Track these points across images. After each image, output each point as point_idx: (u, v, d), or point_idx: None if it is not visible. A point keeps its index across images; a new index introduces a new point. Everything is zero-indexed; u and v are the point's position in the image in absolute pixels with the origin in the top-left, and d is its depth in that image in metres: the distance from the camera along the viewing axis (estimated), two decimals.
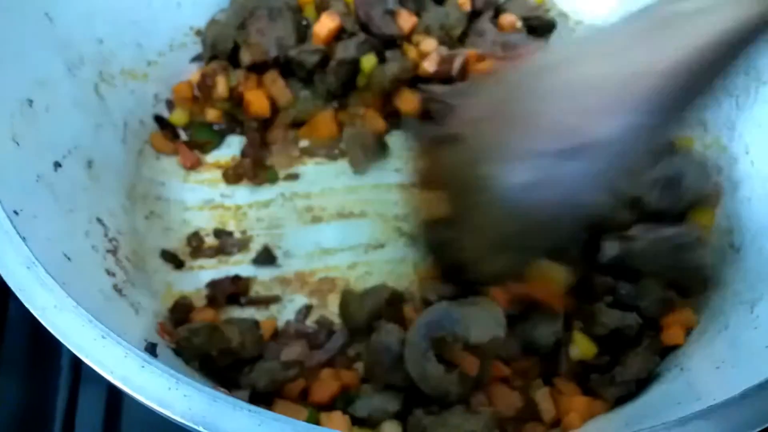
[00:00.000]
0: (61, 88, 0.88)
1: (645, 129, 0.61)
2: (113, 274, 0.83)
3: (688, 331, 0.89)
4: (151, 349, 0.64)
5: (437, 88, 1.03)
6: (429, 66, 1.03)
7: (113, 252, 0.88)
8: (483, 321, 0.79)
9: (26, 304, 0.54)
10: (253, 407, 0.49)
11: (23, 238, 0.58)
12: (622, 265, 0.89)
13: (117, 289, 0.81)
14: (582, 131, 0.61)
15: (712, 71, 0.59)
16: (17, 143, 0.73)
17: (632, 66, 0.59)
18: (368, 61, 1.02)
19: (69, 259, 0.70)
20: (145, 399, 0.51)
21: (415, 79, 1.05)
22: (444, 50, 1.05)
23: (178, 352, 0.81)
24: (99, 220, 0.89)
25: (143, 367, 0.52)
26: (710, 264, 0.89)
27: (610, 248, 0.89)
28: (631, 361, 0.83)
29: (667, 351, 0.87)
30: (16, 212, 0.62)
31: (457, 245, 0.81)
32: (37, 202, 0.72)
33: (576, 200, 0.69)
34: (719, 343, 0.82)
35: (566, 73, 0.65)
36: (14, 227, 0.58)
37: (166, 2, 1.09)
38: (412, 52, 1.04)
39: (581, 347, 0.86)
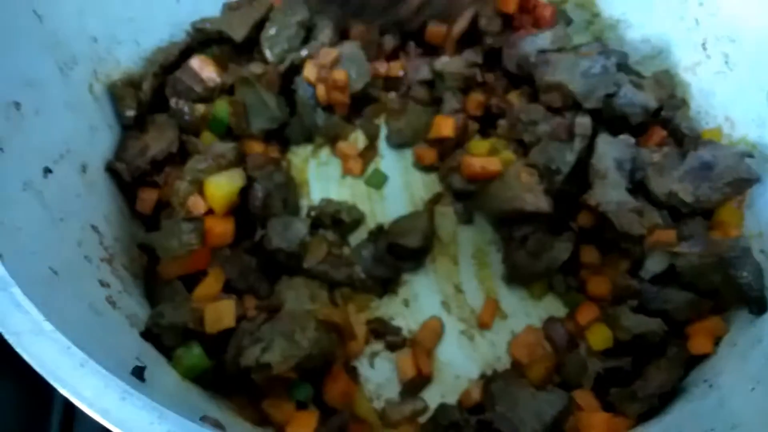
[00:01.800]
0: (52, 90, 0.83)
1: None
2: (107, 285, 0.79)
3: (717, 340, 0.83)
4: (138, 374, 0.60)
5: None
6: None
7: (109, 261, 0.84)
8: None
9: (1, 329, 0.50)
10: None
11: (0, 256, 0.53)
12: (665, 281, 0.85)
13: (111, 302, 0.77)
14: None
15: None
16: (1, 149, 0.69)
17: None
18: None
19: (56, 273, 0.66)
20: None
21: None
22: None
23: (160, 343, 0.78)
24: (93, 228, 0.84)
25: (124, 399, 0.47)
26: (761, 284, 0.82)
27: (654, 263, 0.84)
28: (653, 373, 0.79)
29: (693, 363, 0.82)
30: None
31: None
32: (21, 212, 0.68)
33: None
34: (753, 358, 0.76)
35: None
36: None
37: None
38: None
39: (597, 337, 0.84)
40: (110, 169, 0.93)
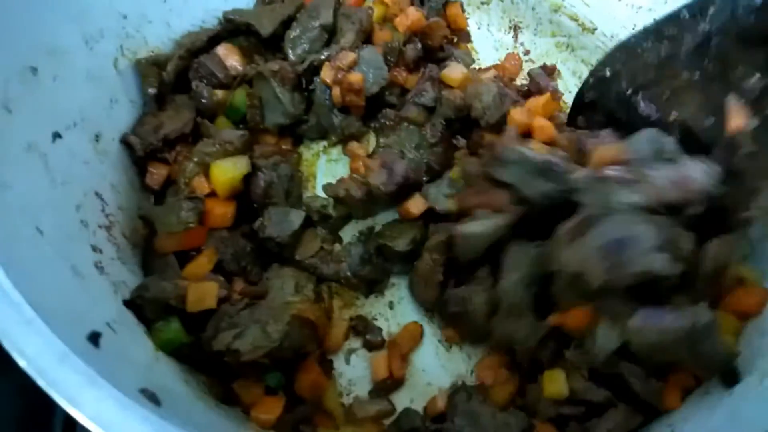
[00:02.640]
0: (74, 60, 0.87)
1: None
2: (99, 251, 0.83)
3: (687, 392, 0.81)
4: (93, 339, 0.61)
5: None
6: None
7: (108, 228, 0.88)
8: None
9: None
10: None
11: None
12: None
13: (98, 267, 0.80)
14: None
15: None
16: (9, 110, 0.73)
17: None
18: None
19: (41, 232, 0.69)
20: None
21: None
22: None
23: (141, 313, 0.81)
24: (98, 194, 0.88)
25: (62, 361, 0.50)
26: (736, 351, 0.77)
27: (606, 340, 0.75)
28: (611, 415, 0.77)
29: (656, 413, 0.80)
30: None
31: None
32: (19, 171, 0.71)
33: None
34: (720, 411, 0.74)
35: None
36: None
37: None
38: None
39: (551, 386, 0.81)
40: (124, 142, 0.97)
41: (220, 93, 1.04)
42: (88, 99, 0.90)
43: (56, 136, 0.81)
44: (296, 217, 0.95)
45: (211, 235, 0.93)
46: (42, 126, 0.79)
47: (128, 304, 0.81)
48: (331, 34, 1.08)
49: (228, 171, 0.94)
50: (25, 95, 0.76)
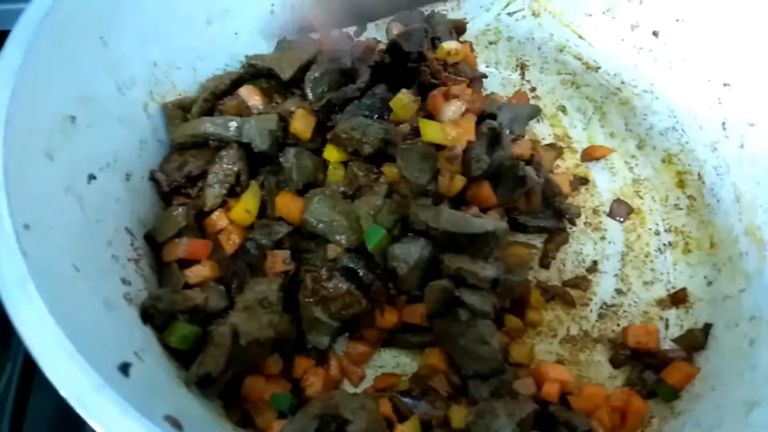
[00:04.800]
0: (107, 106, 0.95)
1: None
2: (128, 283, 0.89)
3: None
4: (123, 369, 0.68)
5: None
6: None
7: (136, 261, 0.95)
8: None
9: (12, 318, 0.60)
10: None
11: (24, 253, 0.64)
12: None
13: (128, 298, 0.87)
14: None
15: None
16: (51, 158, 0.80)
17: None
18: None
19: (78, 270, 0.76)
20: None
21: None
22: None
23: (148, 316, 0.87)
24: (127, 230, 0.95)
25: (98, 391, 0.57)
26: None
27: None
28: None
29: None
30: (27, 226, 0.68)
31: None
32: (58, 213, 0.78)
33: None
34: None
35: None
36: (18, 242, 0.64)
37: (225, 31, 1.16)
38: None
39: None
40: (152, 178, 1.04)
41: None
42: (120, 141, 0.98)
43: (91, 177, 0.89)
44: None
45: (216, 252, 1.00)
46: (79, 169, 0.86)
47: (143, 314, 0.87)
48: (350, 76, 1.15)
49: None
50: (64, 142, 0.83)
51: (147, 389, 0.70)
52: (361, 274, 0.97)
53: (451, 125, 0.96)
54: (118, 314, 0.81)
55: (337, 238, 0.99)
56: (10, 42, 0.80)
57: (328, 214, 1.00)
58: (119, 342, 0.75)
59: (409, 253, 0.94)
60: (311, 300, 0.96)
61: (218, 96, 1.12)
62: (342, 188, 1.05)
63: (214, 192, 1.03)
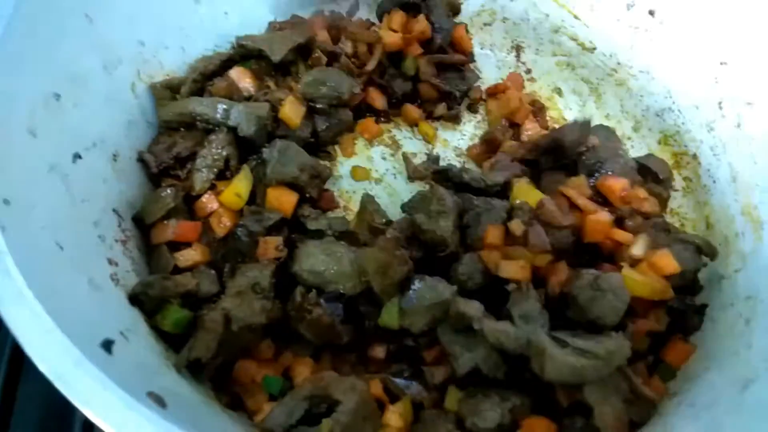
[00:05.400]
0: (94, 85, 0.93)
1: None
2: (116, 264, 0.88)
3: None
4: (106, 346, 0.66)
5: None
6: None
7: (124, 242, 0.93)
8: None
9: None
10: None
11: (2, 227, 0.62)
12: None
13: (114, 279, 0.85)
14: None
15: None
16: (34, 135, 0.78)
17: None
18: None
19: (61, 248, 0.75)
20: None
21: None
22: None
23: (138, 302, 0.86)
24: (115, 211, 0.94)
25: (77, 366, 0.55)
26: None
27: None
28: None
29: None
30: (6, 201, 0.67)
31: None
32: (42, 191, 0.77)
33: None
34: (705, 421, 0.78)
35: None
36: None
37: (214, 11, 1.14)
38: None
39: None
40: (140, 159, 1.02)
41: None
42: (107, 121, 0.96)
43: (77, 156, 0.87)
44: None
45: (206, 235, 0.99)
46: (63, 148, 0.85)
47: (132, 298, 0.86)
48: None
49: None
50: (48, 120, 0.82)
51: (131, 367, 0.69)
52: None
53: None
54: (103, 294, 0.80)
55: (334, 287, 0.91)
56: None
57: (324, 262, 0.92)
58: (103, 320, 0.74)
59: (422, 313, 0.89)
60: (295, 315, 0.91)
61: (208, 77, 1.11)
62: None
63: (202, 176, 1.01)
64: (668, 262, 0.88)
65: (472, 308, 0.84)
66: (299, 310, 0.90)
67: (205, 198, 1.00)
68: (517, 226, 0.89)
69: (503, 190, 0.96)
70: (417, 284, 0.89)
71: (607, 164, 0.98)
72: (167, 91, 1.07)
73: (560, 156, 1.01)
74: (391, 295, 0.89)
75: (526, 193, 0.92)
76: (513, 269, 0.87)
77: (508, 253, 0.88)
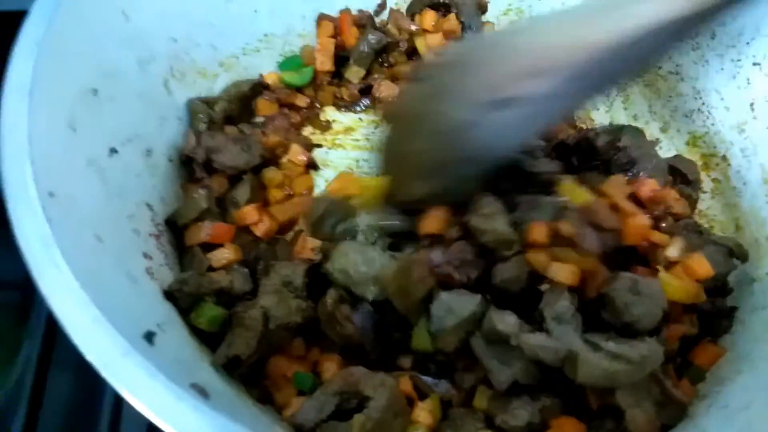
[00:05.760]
0: (128, 81, 0.94)
1: (563, 94, 0.76)
2: (150, 257, 0.89)
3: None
4: (148, 338, 0.67)
5: None
6: None
7: (157, 236, 0.94)
8: None
9: (36, 282, 0.60)
10: None
11: (49, 220, 0.63)
12: None
13: (150, 272, 0.86)
14: (511, 87, 0.76)
15: (635, 57, 0.72)
16: (74, 129, 0.79)
17: (568, 39, 0.73)
18: None
19: (101, 240, 0.76)
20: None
21: None
22: None
23: (173, 299, 0.86)
24: (148, 206, 0.95)
25: (125, 356, 0.56)
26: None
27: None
28: None
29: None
30: (51, 194, 0.68)
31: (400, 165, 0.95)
32: (81, 185, 0.78)
33: (498, 143, 0.84)
34: (738, 422, 0.78)
35: (515, 38, 0.82)
36: (43, 208, 0.64)
37: (244, 8, 1.15)
38: None
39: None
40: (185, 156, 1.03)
41: None
42: (141, 117, 0.97)
43: (113, 151, 0.88)
44: None
45: (238, 236, 1.00)
46: (101, 142, 0.86)
47: (167, 294, 0.87)
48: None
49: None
50: (86, 115, 0.83)
51: (172, 358, 0.70)
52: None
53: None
54: (140, 287, 0.81)
55: (361, 290, 0.90)
56: (33, 14, 0.79)
57: (355, 263, 0.91)
58: (143, 312, 0.75)
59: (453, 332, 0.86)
60: (326, 320, 0.91)
61: (242, 99, 1.13)
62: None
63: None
64: (703, 265, 0.87)
65: (508, 325, 0.82)
66: (330, 318, 0.91)
67: (245, 210, 1.01)
68: (567, 226, 0.85)
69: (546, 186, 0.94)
70: (439, 302, 0.86)
71: (639, 164, 0.98)
72: (203, 105, 1.08)
73: (591, 157, 1.00)
74: (417, 314, 0.88)
75: (571, 191, 0.91)
76: (564, 273, 0.83)
77: (557, 255, 0.84)
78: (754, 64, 1.06)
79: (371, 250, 0.93)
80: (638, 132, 1.07)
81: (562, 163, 1.02)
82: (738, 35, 1.08)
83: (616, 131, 1.03)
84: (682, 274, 0.87)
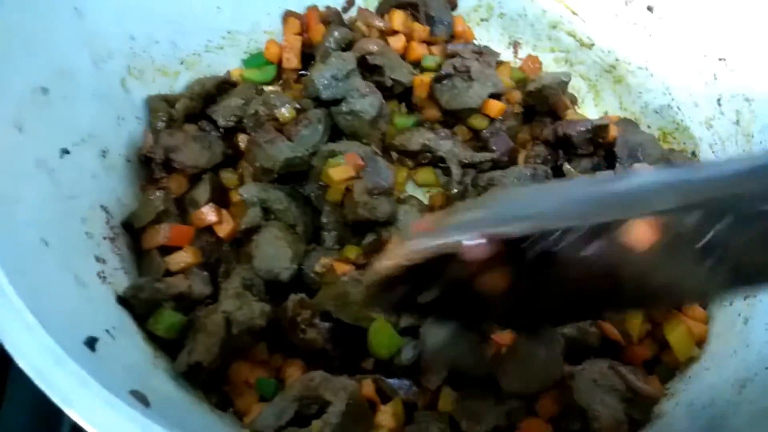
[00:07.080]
0: (82, 80, 0.92)
1: None
2: (103, 261, 0.86)
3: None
4: (90, 344, 0.65)
5: None
6: None
7: (112, 239, 0.92)
8: None
9: None
10: None
11: None
12: None
13: (101, 276, 0.84)
14: None
15: None
16: (20, 129, 0.77)
17: None
18: None
19: (46, 243, 0.73)
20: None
21: None
22: None
23: (128, 305, 0.84)
24: (103, 208, 0.92)
25: (57, 364, 0.54)
26: None
27: None
28: None
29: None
30: None
31: None
32: (27, 186, 0.75)
33: None
34: (702, 419, 0.77)
35: None
36: None
37: (206, 4, 1.12)
38: None
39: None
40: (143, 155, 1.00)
41: None
42: (96, 116, 0.94)
43: (64, 152, 0.86)
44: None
45: (198, 238, 0.97)
46: (51, 143, 0.83)
47: (121, 300, 0.84)
48: None
49: None
50: (35, 114, 0.80)
51: (113, 364, 0.67)
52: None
53: None
54: (89, 291, 0.78)
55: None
56: None
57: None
58: (89, 318, 0.73)
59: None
60: (285, 325, 0.89)
61: (205, 98, 1.08)
62: None
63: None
64: None
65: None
66: (292, 323, 0.89)
67: (204, 210, 0.98)
68: None
69: None
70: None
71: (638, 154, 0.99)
72: (163, 103, 1.05)
73: (571, 150, 1.00)
74: (368, 320, 0.88)
75: None
76: None
77: None
78: (720, 59, 1.05)
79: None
80: (631, 123, 1.07)
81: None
82: (704, 30, 1.07)
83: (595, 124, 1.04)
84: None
